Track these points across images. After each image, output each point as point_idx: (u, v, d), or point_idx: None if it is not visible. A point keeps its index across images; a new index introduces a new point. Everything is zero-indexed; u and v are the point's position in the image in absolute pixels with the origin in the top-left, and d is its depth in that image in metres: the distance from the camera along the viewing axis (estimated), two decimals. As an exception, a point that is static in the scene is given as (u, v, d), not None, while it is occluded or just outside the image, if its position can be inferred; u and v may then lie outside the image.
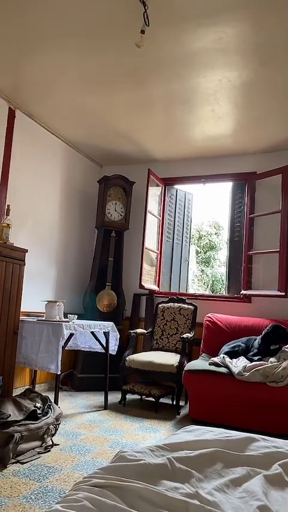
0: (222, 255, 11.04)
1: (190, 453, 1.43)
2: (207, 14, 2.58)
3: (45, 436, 2.71)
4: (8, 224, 3.37)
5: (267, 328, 3.65)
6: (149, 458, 1.35)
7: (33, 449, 2.58)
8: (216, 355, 3.81)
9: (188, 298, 4.65)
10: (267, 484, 1.30)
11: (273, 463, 1.43)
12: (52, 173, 4.57)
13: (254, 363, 3.35)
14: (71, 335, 3.45)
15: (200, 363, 3.64)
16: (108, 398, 3.90)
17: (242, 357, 3.59)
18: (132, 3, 2.48)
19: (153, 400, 3.83)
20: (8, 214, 3.44)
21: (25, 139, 4.06)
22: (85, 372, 4.49)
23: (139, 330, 4.46)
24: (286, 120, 3.89)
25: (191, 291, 8.67)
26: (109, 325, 3.92)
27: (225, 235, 8.97)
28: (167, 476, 1.27)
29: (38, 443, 2.64)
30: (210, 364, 3.53)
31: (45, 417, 2.76)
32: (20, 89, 3.65)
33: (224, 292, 5.01)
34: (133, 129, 4.34)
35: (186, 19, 2.64)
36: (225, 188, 5.12)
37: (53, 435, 2.81)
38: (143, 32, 2.62)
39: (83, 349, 4.05)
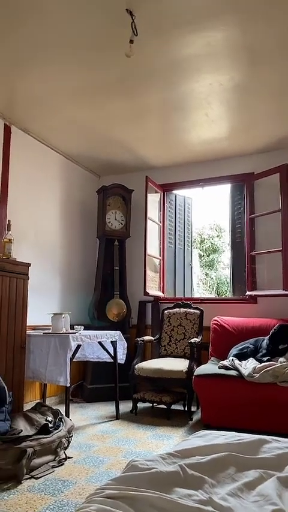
0: (226, 257, 11.03)
1: (202, 459, 1.42)
2: (194, 20, 2.60)
3: (58, 449, 2.70)
4: (9, 239, 3.39)
5: (274, 328, 3.64)
6: (161, 466, 1.35)
7: (46, 463, 2.57)
8: (225, 358, 3.79)
9: (193, 303, 4.64)
10: (281, 486, 1.29)
11: (286, 465, 1.41)
12: (51, 186, 4.60)
13: (263, 364, 3.33)
14: (79, 346, 3.44)
15: (209, 367, 3.62)
16: (120, 408, 3.88)
17: (251, 358, 3.57)
18: (120, 14, 2.52)
19: (165, 407, 3.81)
20: (9, 230, 3.47)
21: (22, 154, 4.10)
22: (95, 383, 4.48)
23: (146, 337, 4.46)
24: (279, 120, 3.91)
25: (196, 295, 8.66)
26: (116, 334, 3.92)
27: (227, 237, 8.98)
28: (180, 483, 1.26)
29: (51, 457, 2.63)
30: (219, 368, 3.51)
31: (57, 430, 2.75)
32: (15, 104, 3.69)
33: (229, 295, 4.99)
34: (129, 138, 4.36)
35: (174, 26, 2.66)
36: (224, 190, 5.14)
37: (65, 448, 2.80)
38: (131, 41, 2.66)
39: (91, 359, 4.04)
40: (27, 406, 3.46)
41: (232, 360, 3.58)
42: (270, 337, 3.61)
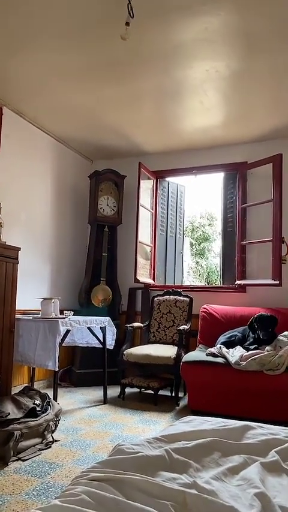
0: (217, 246, 11.06)
1: (187, 444, 1.44)
2: (192, 4, 2.55)
3: (46, 432, 2.72)
4: (-1, 223, 3.35)
5: (254, 317, 3.68)
6: (147, 451, 1.37)
7: (33, 446, 2.59)
8: (213, 345, 3.83)
9: (183, 291, 4.67)
10: (264, 471, 1.32)
11: (269, 450, 1.44)
12: (42, 170, 4.54)
13: (250, 352, 3.37)
14: (68, 331, 3.45)
15: (197, 354, 3.66)
16: (108, 393, 3.92)
17: (238, 346, 3.62)
18: (116, -5, 2.46)
19: (152, 392, 3.85)
20: (-1, 213, 3.43)
21: (14, 136, 4.03)
22: (83, 368, 4.50)
23: (136, 324, 4.48)
24: (275, 109, 3.89)
25: (186, 283, 8.69)
26: (105, 320, 3.93)
27: (218, 226, 8.99)
28: (165, 467, 1.28)
29: (38, 440, 2.66)
30: (207, 355, 3.55)
31: (45, 414, 2.77)
32: (7, 86, 3.61)
33: (219, 283, 5.03)
34: (122, 123, 4.31)
35: (171, 10, 2.61)
36: (217, 179, 5.13)
37: (53, 431, 2.83)
38: (127, 24, 2.60)
39: (80, 345, 4.05)
40: (15, 390, 3.46)
41: (220, 347, 3.62)
42: (249, 326, 3.68)
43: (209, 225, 11.52)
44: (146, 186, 5.01)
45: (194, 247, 11.54)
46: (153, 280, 5.06)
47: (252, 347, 3.52)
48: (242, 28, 2.76)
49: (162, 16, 2.67)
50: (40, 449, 2.59)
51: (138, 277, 4.61)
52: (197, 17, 2.66)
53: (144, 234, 4.92)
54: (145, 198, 4.93)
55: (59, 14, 2.69)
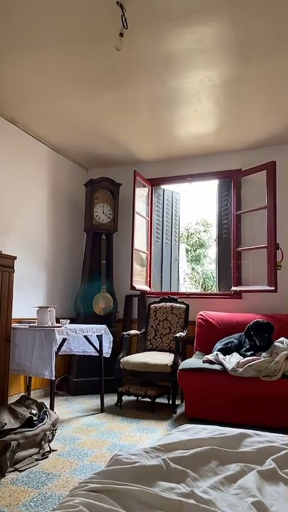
0: (212, 251, 11.08)
1: (185, 453, 1.44)
2: (185, 15, 2.60)
3: (43, 442, 2.71)
4: (-5, 232, 3.35)
5: (249, 325, 3.69)
6: (144, 460, 1.37)
7: (30, 456, 2.58)
8: (209, 352, 3.84)
9: (179, 297, 4.68)
10: (261, 479, 1.32)
11: (266, 458, 1.45)
12: (38, 178, 4.56)
13: (247, 359, 3.38)
14: (64, 340, 3.44)
15: (194, 361, 3.66)
16: (105, 401, 3.91)
17: (235, 353, 3.62)
18: (111, 6, 2.50)
19: (150, 400, 3.84)
20: (-5, 222, 3.43)
21: (7, 144, 4.04)
22: (80, 376, 4.49)
23: (132, 331, 4.47)
24: (269, 117, 3.93)
25: (182, 289, 8.69)
26: (102, 328, 3.92)
27: (213, 232, 9.02)
28: (163, 477, 1.29)
29: (35, 450, 2.64)
30: (204, 362, 3.55)
31: (42, 423, 2.76)
32: (1, 94, 3.63)
33: (215, 289, 5.04)
34: (117, 131, 4.34)
35: (165, 20, 2.65)
36: (212, 186, 5.16)
37: (50, 441, 2.82)
38: (121, 35, 2.64)
39: (76, 353, 4.04)
40: (11, 399, 3.45)
41: (216, 354, 3.62)
42: (246, 333, 3.69)
43: (205, 231, 11.53)
44: (142, 193, 5.04)
45: (189, 253, 11.54)
46: (150, 287, 5.07)
47: (248, 353, 3.52)
48: (235, 38, 2.81)
49: (156, 26, 2.71)
50: (37, 460, 2.58)
51: (134, 285, 4.62)
52: (191, 27, 2.70)
53: (140, 241, 4.93)
54: (140, 206, 4.95)
55: (54, 23, 2.72)
